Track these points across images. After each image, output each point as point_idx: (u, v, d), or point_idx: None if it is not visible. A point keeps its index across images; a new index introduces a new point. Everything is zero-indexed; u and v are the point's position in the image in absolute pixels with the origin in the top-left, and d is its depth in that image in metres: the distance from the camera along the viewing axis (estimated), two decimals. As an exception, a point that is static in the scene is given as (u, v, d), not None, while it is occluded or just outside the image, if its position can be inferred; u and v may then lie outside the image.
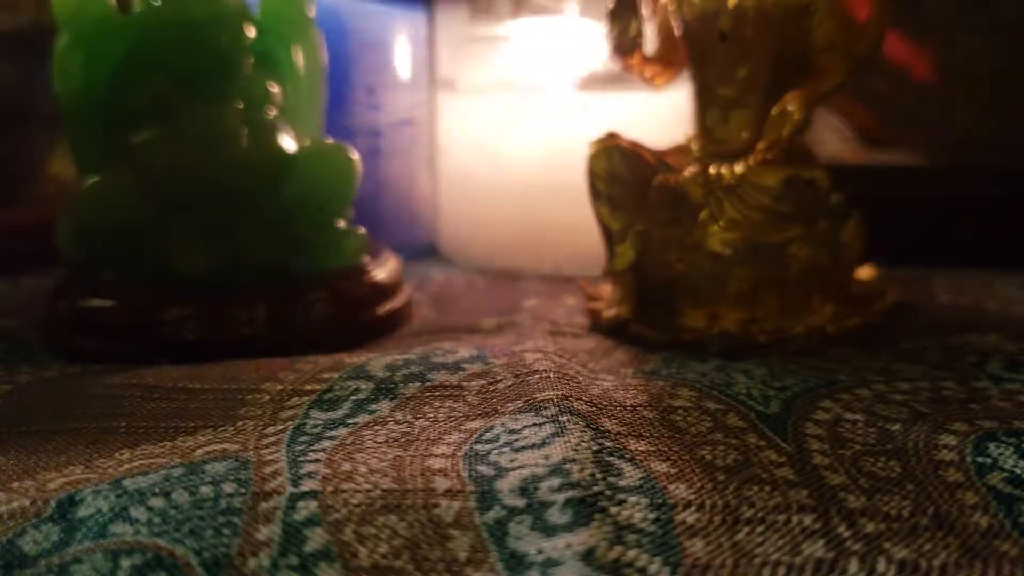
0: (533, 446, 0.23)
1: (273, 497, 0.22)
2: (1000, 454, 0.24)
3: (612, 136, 0.34)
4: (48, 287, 0.35)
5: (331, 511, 0.21)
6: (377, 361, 0.30)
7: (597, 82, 0.44)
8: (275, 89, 0.36)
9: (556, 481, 0.22)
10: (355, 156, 0.36)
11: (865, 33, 0.32)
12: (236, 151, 0.34)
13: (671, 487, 0.22)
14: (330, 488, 0.22)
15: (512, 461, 0.23)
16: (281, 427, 0.26)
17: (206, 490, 0.22)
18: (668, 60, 0.35)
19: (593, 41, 0.43)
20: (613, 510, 0.21)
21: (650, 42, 0.35)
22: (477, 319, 0.37)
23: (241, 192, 0.34)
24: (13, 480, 0.23)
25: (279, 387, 0.29)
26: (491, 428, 0.25)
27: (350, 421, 0.26)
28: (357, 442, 0.25)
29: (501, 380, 0.28)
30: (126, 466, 0.24)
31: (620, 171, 0.34)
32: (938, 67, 0.45)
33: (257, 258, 0.34)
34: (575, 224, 0.40)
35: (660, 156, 0.34)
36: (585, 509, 0.21)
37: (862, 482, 0.22)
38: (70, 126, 0.35)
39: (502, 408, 0.26)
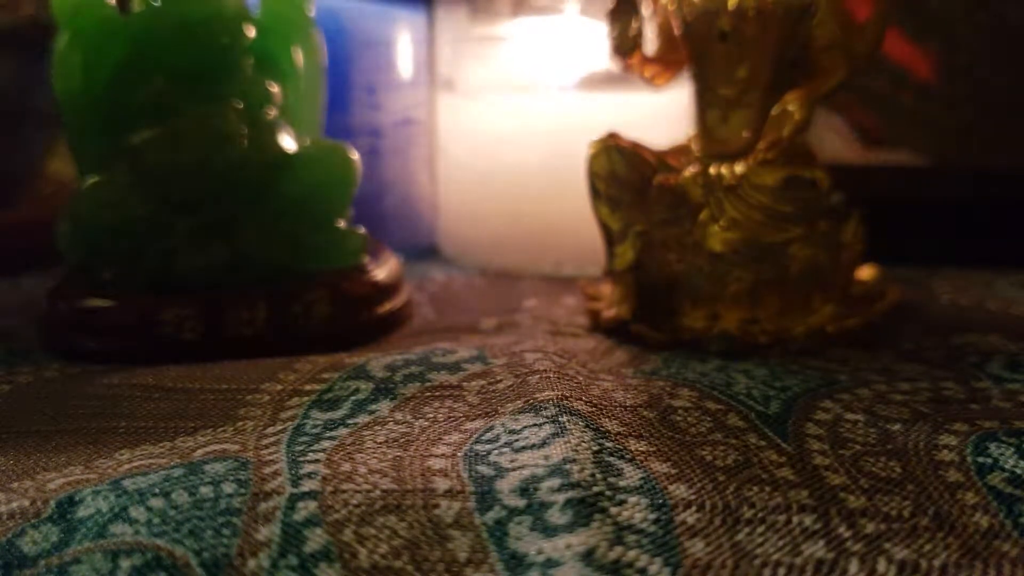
0: (533, 446, 0.23)
1: (273, 497, 0.22)
2: (1000, 454, 0.24)
3: (612, 136, 0.34)
4: (48, 287, 0.35)
5: (331, 511, 0.21)
6: (377, 361, 0.30)
7: (597, 82, 0.44)
8: (275, 89, 0.36)
9: (556, 481, 0.22)
10: (355, 156, 0.36)
11: (865, 33, 0.32)
12: (236, 151, 0.34)
13: (671, 487, 0.22)
14: (330, 488, 0.22)
15: (512, 461, 0.23)
16: (281, 427, 0.26)
17: (206, 490, 0.22)
18: (668, 60, 0.35)
19: (593, 41, 0.43)
20: (613, 510, 0.21)
21: (650, 42, 0.35)
22: (477, 319, 0.37)
23: (241, 192, 0.34)
24: (13, 480, 0.23)
25: (279, 387, 0.29)
26: (491, 428, 0.25)
27: (350, 421, 0.26)
28: (357, 442, 0.25)
29: (501, 380, 0.28)
30: (126, 466, 0.24)
31: (620, 171, 0.34)
32: (938, 67, 0.45)
33: (257, 258, 0.34)
34: (575, 224, 0.40)
35: (660, 156, 0.34)
36: (585, 509, 0.21)
37: (862, 482, 0.22)
38: (70, 126, 0.35)
39: (502, 408, 0.26)
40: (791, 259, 0.33)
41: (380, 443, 0.24)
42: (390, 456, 0.24)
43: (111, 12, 0.34)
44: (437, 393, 0.28)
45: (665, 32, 0.35)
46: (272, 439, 0.25)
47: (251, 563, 0.20)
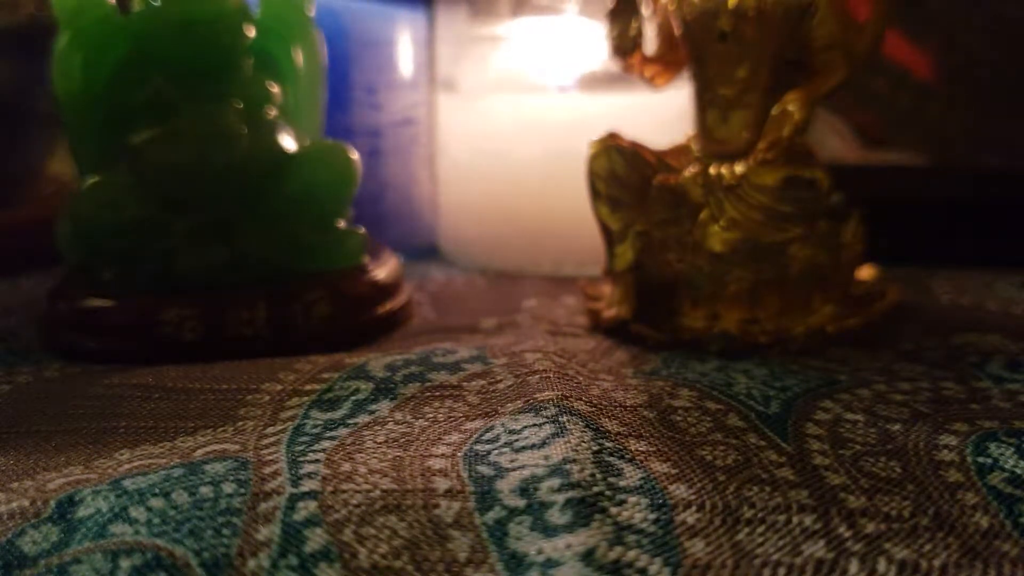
0: (533, 446, 0.23)
1: (273, 497, 0.22)
2: (1000, 454, 0.24)
3: (612, 136, 0.34)
4: (48, 287, 0.35)
5: (331, 511, 0.21)
6: (377, 361, 0.30)
7: (597, 82, 0.44)
8: (275, 89, 0.36)
9: (556, 481, 0.22)
10: (355, 156, 0.36)
11: (865, 33, 0.32)
12: (236, 151, 0.34)
13: (671, 487, 0.22)
14: (330, 488, 0.22)
15: (512, 461, 0.23)
16: (281, 427, 0.26)
17: (206, 490, 0.22)
18: (668, 60, 0.35)
19: (593, 41, 0.43)
20: (613, 510, 0.21)
21: (650, 42, 0.35)
22: (477, 319, 0.37)
23: (241, 192, 0.34)
24: (13, 480, 0.23)
25: (279, 387, 0.29)
26: (491, 428, 0.25)
27: (350, 421, 0.26)
28: (357, 442, 0.25)
29: (501, 380, 0.28)
30: (126, 466, 0.24)
31: (620, 171, 0.34)
32: (938, 67, 0.45)
33: (257, 258, 0.34)
34: (575, 224, 0.40)
35: (660, 156, 0.34)
36: (585, 509, 0.21)
37: (862, 482, 0.22)
38: (70, 126, 0.35)
39: (502, 408, 0.26)
40: (791, 259, 0.33)
41: (380, 443, 0.24)
42: (390, 456, 0.24)
43: (111, 12, 0.34)
44: (437, 393, 0.28)
45: (665, 32, 0.35)
46: (272, 439, 0.25)
47: (251, 563, 0.20)
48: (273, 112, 0.35)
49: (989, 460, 0.23)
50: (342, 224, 0.36)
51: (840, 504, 0.21)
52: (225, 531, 0.21)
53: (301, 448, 0.24)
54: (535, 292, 0.41)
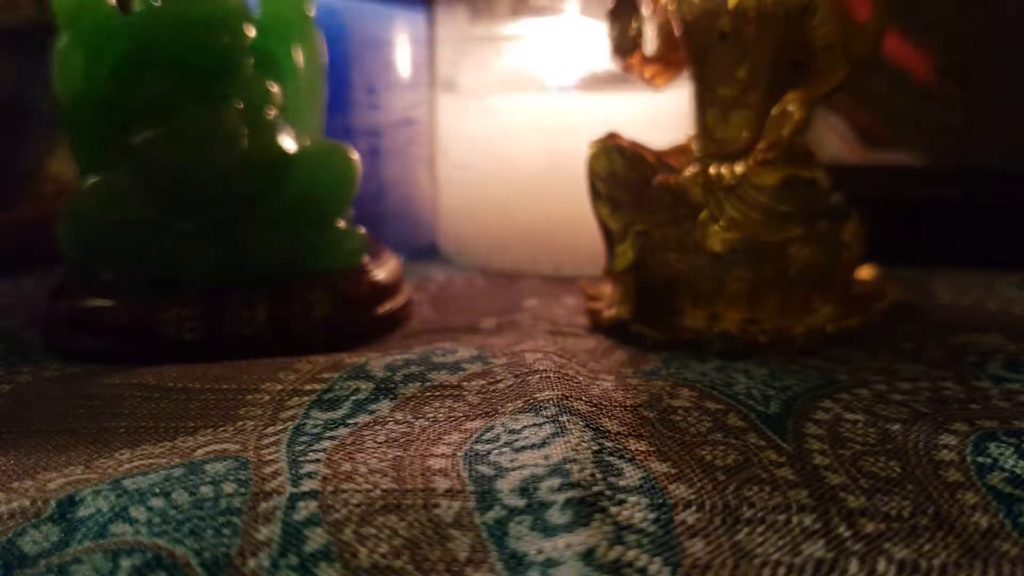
0: (533, 446, 0.23)
1: (273, 497, 0.22)
2: (1000, 454, 0.24)
3: (612, 136, 0.34)
4: (48, 287, 0.35)
5: (331, 511, 0.21)
6: (377, 361, 0.30)
7: (597, 82, 0.44)
8: (275, 89, 0.36)
9: (556, 481, 0.22)
10: (355, 156, 0.36)
11: (865, 33, 0.32)
12: (236, 151, 0.34)
13: (671, 487, 0.22)
14: (330, 488, 0.22)
15: (512, 461, 0.23)
16: (281, 427, 0.26)
17: (206, 490, 0.22)
18: (668, 60, 0.35)
19: (593, 41, 0.43)
20: (613, 510, 0.21)
21: (650, 42, 0.35)
22: (477, 319, 0.37)
23: (241, 192, 0.34)
24: (13, 480, 0.23)
25: (279, 387, 0.29)
26: (491, 428, 0.25)
27: (350, 421, 0.26)
28: (357, 442, 0.25)
29: (501, 380, 0.28)
30: (126, 466, 0.24)
31: (620, 171, 0.34)
32: (938, 67, 0.45)
33: (257, 258, 0.34)
34: (575, 224, 0.40)
35: (660, 156, 0.34)
36: (585, 509, 0.21)
37: (862, 482, 0.22)
38: (70, 126, 0.35)
39: (502, 408, 0.26)
40: (791, 259, 0.33)
41: (380, 443, 0.25)
42: (390, 456, 0.24)
43: (111, 12, 0.34)
44: (437, 393, 0.28)
45: (665, 32, 0.35)
46: (272, 439, 0.25)
47: (251, 563, 0.20)
48: (273, 112, 0.35)
49: (989, 460, 0.23)
50: (342, 224, 0.36)
51: (840, 504, 0.21)
52: (225, 531, 0.21)
53: (301, 448, 0.24)
54: (535, 292, 0.41)
